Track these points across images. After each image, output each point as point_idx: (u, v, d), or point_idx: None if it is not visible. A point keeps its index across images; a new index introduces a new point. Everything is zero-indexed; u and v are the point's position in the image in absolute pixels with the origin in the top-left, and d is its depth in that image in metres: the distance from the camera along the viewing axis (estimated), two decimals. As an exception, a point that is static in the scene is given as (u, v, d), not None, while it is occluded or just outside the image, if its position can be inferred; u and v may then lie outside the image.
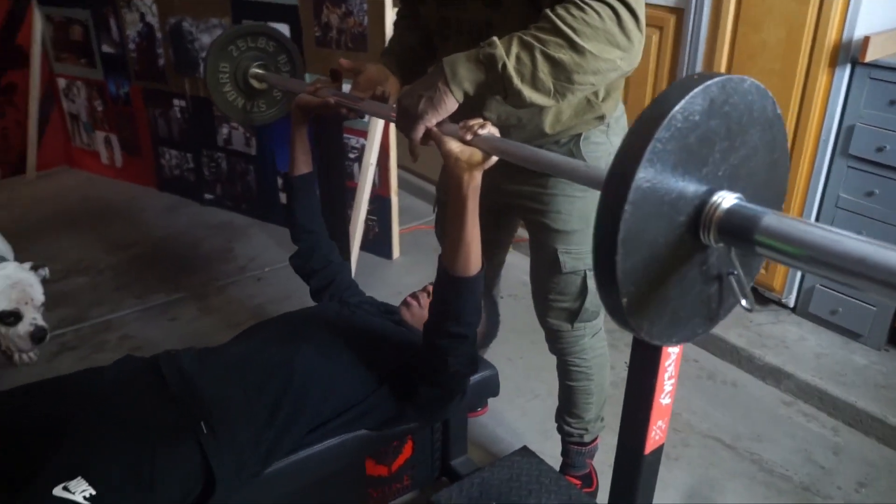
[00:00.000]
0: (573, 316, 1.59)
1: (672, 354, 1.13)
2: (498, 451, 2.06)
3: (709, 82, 0.80)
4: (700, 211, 0.85)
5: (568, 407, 1.77)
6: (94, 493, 1.11)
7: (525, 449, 1.91)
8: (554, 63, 1.12)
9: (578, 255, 1.52)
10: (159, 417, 1.28)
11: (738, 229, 0.83)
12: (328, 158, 1.93)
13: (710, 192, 0.85)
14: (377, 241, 3.11)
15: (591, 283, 1.54)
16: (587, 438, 1.80)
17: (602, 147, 1.45)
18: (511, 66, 1.12)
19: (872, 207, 2.26)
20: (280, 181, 3.29)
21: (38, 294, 2.13)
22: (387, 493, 1.81)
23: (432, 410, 1.51)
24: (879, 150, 2.19)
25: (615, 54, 1.12)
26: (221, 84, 1.90)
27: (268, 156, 3.28)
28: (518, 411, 2.23)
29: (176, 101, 3.45)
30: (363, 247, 3.01)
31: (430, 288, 1.66)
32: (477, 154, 1.17)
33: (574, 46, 1.10)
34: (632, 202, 0.77)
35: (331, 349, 1.46)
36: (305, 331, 1.50)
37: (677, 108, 0.77)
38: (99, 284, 2.94)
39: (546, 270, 1.56)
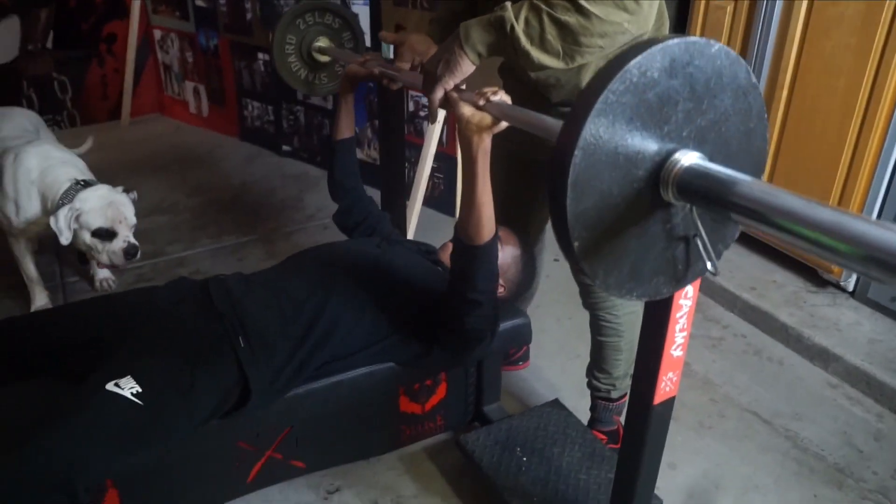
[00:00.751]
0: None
1: (683, 307, 1.17)
2: (532, 403, 2.12)
3: (670, 42, 0.82)
4: (660, 167, 0.87)
5: (598, 362, 1.81)
6: (139, 390, 1.25)
7: (556, 402, 1.97)
8: (560, 26, 1.16)
9: None
10: (203, 331, 1.41)
11: (698, 188, 0.84)
12: (387, 119, 2.03)
13: (673, 151, 0.87)
14: (441, 199, 3.20)
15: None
16: (615, 395, 1.85)
17: None
18: (519, 28, 1.17)
19: None
20: (370, 139, 3.41)
21: (131, 214, 2.28)
22: (419, 432, 1.91)
23: (456, 354, 1.59)
24: None
25: (622, 17, 1.14)
26: (286, 55, 2.02)
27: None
28: (557, 369, 2.29)
29: (260, 55, 3.60)
30: (428, 203, 3.09)
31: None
32: (487, 118, 1.24)
33: (580, 10, 1.13)
34: (582, 148, 0.80)
35: (366, 283, 1.56)
36: (344, 262, 1.60)
37: (633, 62, 0.80)
38: (178, 224, 3.14)
39: None
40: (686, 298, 1.14)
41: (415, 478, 1.85)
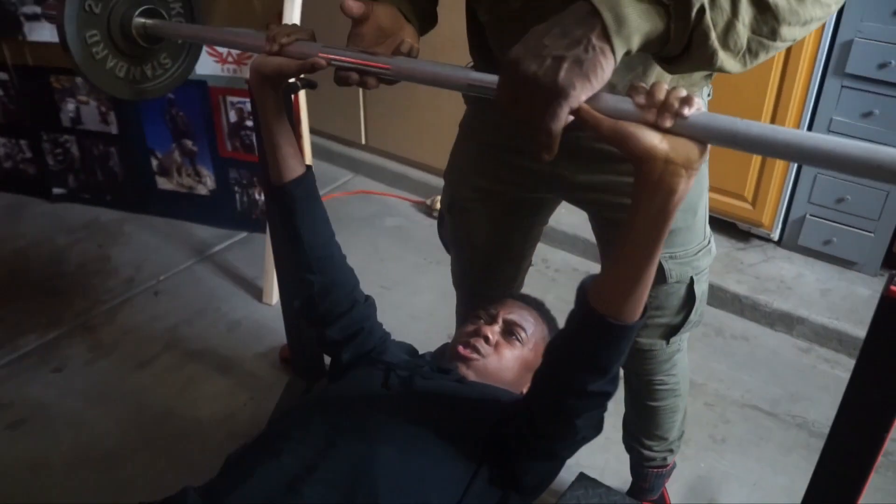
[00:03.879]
0: (672, 332, 1.25)
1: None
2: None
3: None
4: None
5: (649, 429, 1.45)
6: None
7: (584, 477, 1.60)
8: (763, 9, 0.73)
9: (685, 258, 1.17)
10: None
11: None
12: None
13: None
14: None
15: (700, 288, 1.21)
16: (670, 459, 1.52)
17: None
18: (711, 16, 0.71)
19: (870, 129, 2.08)
20: (180, 164, 2.63)
21: None
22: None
23: (542, 487, 1.13)
24: (882, 66, 2.00)
25: None
26: (98, 61, 1.29)
27: (133, 132, 2.60)
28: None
29: (-9, 74, 2.64)
30: (261, 228, 2.51)
31: (486, 329, 1.25)
32: (695, 149, 0.73)
33: None
34: None
35: (411, 445, 1.02)
36: (368, 426, 1.05)
37: None
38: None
39: None
40: None
41: None
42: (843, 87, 2.08)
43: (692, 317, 1.23)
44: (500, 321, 1.26)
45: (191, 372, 2.07)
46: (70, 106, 2.61)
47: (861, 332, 2.06)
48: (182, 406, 1.95)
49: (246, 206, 2.60)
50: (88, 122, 2.62)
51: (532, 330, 1.27)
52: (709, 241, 1.19)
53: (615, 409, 1.51)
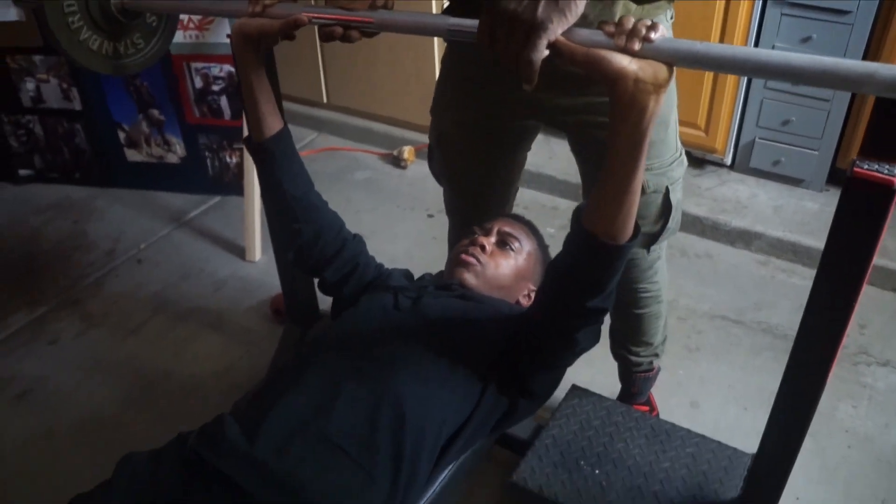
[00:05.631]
0: (652, 240, 1.36)
1: None
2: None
3: None
4: None
5: (635, 336, 1.58)
6: None
7: (576, 388, 1.72)
8: None
9: (660, 169, 1.27)
10: None
11: None
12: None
13: None
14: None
15: (675, 197, 1.32)
16: (656, 363, 1.64)
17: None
18: None
19: (809, 52, 2.22)
20: (148, 134, 2.64)
21: None
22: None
23: (547, 395, 1.24)
24: None
25: None
26: (74, 31, 1.31)
27: (98, 106, 2.60)
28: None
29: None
30: (236, 191, 2.57)
31: (483, 239, 1.35)
32: (663, 69, 0.82)
33: None
34: None
35: (427, 360, 1.11)
36: (385, 346, 1.13)
37: None
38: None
39: None
40: None
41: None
42: (782, 14, 2.21)
43: (670, 224, 1.34)
44: (495, 233, 1.36)
45: (183, 333, 2.13)
46: (30, 85, 2.59)
47: (812, 242, 2.22)
48: (179, 366, 2.01)
49: (218, 170, 2.64)
50: (51, 100, 2.61)
51: (524, 241, 1.37)
52: (680, 154, 1.30)
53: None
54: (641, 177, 0.90)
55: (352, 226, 1.35)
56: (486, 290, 1.30)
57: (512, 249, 1.35)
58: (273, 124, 1.20)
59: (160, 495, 0.98)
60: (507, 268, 1.33)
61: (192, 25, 2.34)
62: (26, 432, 1.82)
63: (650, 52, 0.83)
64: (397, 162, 2.90)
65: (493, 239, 1.35)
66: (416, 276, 1.44)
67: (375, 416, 1.02)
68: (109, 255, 2.45)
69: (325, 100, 3.12)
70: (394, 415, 1.03)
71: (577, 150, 1.34)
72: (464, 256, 1.32)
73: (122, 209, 2.67)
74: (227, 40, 2.34)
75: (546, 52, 0.83)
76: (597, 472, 1.49)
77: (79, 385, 1.95)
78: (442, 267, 1.45)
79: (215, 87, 2.46)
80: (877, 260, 2.12)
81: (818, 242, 2.21)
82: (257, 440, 0.99)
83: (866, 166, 0.96)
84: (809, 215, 2.32)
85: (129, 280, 2.35)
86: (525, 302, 1.38)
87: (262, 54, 1.15)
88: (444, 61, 1.37)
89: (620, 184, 0.90)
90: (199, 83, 2.46)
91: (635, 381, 1.65)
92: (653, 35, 0.81)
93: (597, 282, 0.99)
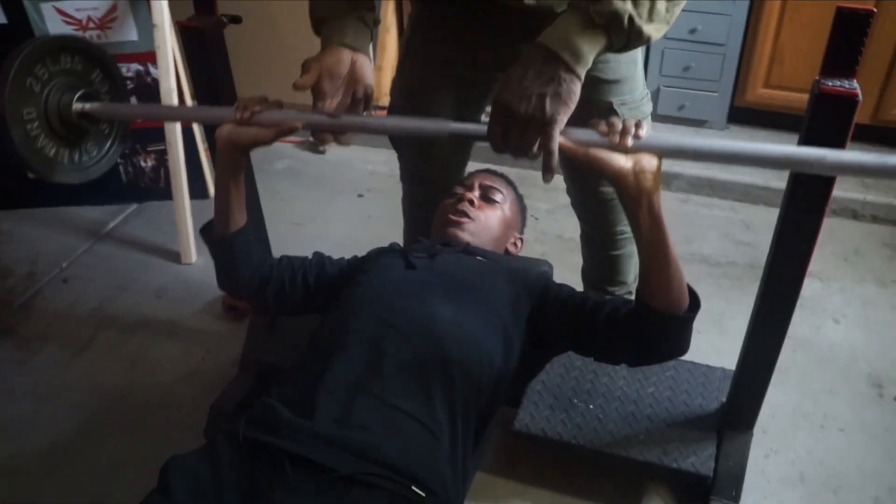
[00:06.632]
0: None
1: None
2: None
3: None
4: None
5: (610, 277, 1.67)
6: None
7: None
8: None
9: (633, 104, 1.37)
10: None
11: None
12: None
13: None
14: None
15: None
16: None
17: None
18: (636, 15, 0.92)
19: (690, 80, 2.54)
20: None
21: None
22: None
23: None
24: (692, 31, 2.39)
25: None
26: (32, 139, 1.23)
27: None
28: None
29: None
30: (155, 194, 2.49)
31: (468, 195, 1.39)
32: (654, 160, 0.96)
33: None
34: None
35: (462, 319, 1.13)
36: (415, 302, 1.14)
37: None
38: None
39: None
40: None
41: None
42: (665, 48, 2.47)
43: None
44: (477, 187, 1.41)
45: (135, 345, 2.04)
46: None
47: (726, 176, 2.41)
48: (140, 378, 1.92)
49: (132, 176, 2.52)
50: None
51: (505, 191, 1.44)
52: (647, 92, 1.40)
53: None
54: (673, 249, 1.01)
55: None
56: (482, 243, 1.35)
57: (496, 201, 1.41)
58: (240, 220, 1.22)
59: (227, 491, 0.96)
60: (495, 219, 1.39)
61: (91, 25, 2.21)
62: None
63: (641, 146, 0.97)
64: (315, 147, 2.88)
65: (477, 193, 1.40)
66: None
67: (425, 373, 1.05)
68: (30, 279, 2.30)
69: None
70: (443, 370, 1.06)
71: None
72: (453, 216, 1.36)
73: (32, 230, 2.50)
74: (135, 38, 2.24)
75: (557, 141, 0.94)
76: (591, 406, 1.58)
77: (34, 417, 1.82)
78: (384, 244, 1.42)
79: (149, 80, 2.34)
80: (781, 184, 2.35)
81: (730, 175, 2.42)
82: (315, 415, 1.00)
83: (830, 83, 1.09)
84: (717, 152, 2.52)
85: (60, 301, 2.21)
86: (513, 250, 1.45)
87: (247, 159, 1.19)
88: (412, 18, 1.40)
89: (660, 258, 1.01)
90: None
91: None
92: (641, 132, 0.95)
93: (671, 344, 1.10)
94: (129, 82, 2.33)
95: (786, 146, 0.98)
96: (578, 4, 0.92)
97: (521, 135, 0.95)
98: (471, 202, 1.38)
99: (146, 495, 0.97)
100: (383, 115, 1.14)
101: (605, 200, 1.48)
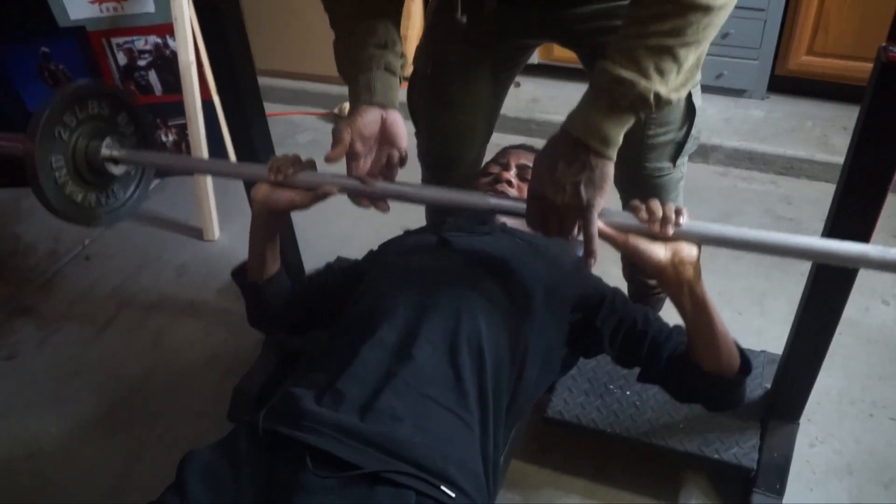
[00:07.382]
0: (678, 149, 1.35)
1: None
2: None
3: None
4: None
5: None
6: None
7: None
8: (696, 47, 0.87)
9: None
10: None
11: None
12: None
13: None
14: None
15: (697, 101, 1.31)
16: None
17: None
18: (662, 90, 0.86)
19: None
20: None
21: None
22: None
23: None
24: None
25: None
26: (61, 186, 1.19)
27: (9, 98, 2.36)
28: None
29: None
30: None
31: (505, 174, 1.33)
32: (693, 248, 0.94)
33: (707, 9, 0.84)
34: None
35: (495, 303, 1.07)
36: (449, 281, 1.08)
37: None
38: None
39: None
40: None
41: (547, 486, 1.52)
42: None
43: (693, 131, 1.33)
44: (514, 166, 1.33)
45: (156, 324, 2.00)
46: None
47: (767, 147, 2.30)
48: (161, 359, 1.90)
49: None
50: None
51: None
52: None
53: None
54: (720, 322, 1.01)
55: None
56: (518, 224, 1.27)
57: None
58: (272, 269, 1.20)
59: (245, 489, 0.91)
60: None
61: (108, -3, 2.16)
62: (9, 454, 1.67)
63: (680, 234, 0.93)
64: (338, 119, 2.81)
65: (514, 172, 1.33)
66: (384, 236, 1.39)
67: (456, 358, 0.99)
68: (52, 256, 2.27)
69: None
70: (474, 355, 1.00)
71: (592, 63, 1.32)
72: (491, 197, 1.28)
73: (54, 206, 2.47)
74: (152, 10, 2.18)
75: (596, 227, 0.93)
76: (627, 392, 1.51)
77: (54, 396, 1.81)
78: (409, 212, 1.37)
79: (141, 62, 2.29)
80: (826, 156, 2.24)
81: (771, 147, 2.31)
82: (341, 404, 0.94)
83: (898, 50, 0.99)
84: (758, 123, 2.41)
85: (82, 279, 2.18)
86: None
87: (283, 219, 1.20)
88: None
89: (706, 333, 1.02)
90: (122, 59, 2.28)
91: (653, 303, 1.67)
92: (682, 220, 0.92)
93: (726, 401, 1.13)
94: (147, 55, 2.28)
95: (853, 244, 0.89)
96: (602, 86, 0.88)
97: (560, 222, 0.95)
98: (509, 183, 1.31)
99: (162, 493, 0.93)
100: (418, 183, 1.12)
101: (651, 177, 1.39)
